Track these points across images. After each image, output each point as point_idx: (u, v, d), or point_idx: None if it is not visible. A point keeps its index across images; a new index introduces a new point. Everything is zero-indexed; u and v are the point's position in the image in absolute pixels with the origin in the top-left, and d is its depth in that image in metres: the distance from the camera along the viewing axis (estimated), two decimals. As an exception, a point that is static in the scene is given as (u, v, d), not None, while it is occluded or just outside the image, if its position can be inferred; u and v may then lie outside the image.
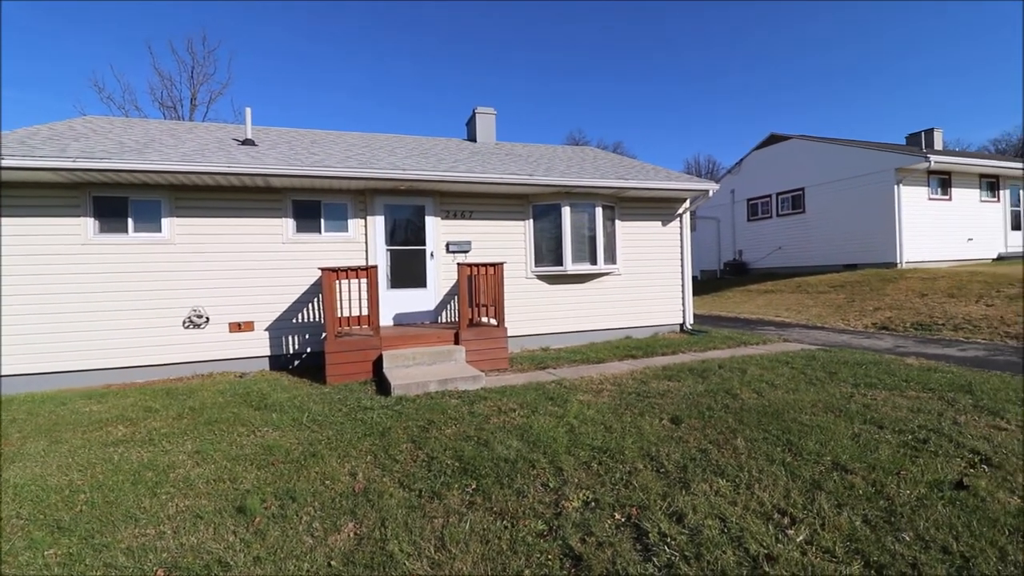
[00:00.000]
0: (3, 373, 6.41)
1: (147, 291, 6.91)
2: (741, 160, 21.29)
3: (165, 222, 7.03)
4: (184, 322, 7.02)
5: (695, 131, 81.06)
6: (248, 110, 8.70)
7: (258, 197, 7.40)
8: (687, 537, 2.62)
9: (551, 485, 3.26)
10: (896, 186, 14.48)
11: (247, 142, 8.36)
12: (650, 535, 2.65)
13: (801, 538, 2.59)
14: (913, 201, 14.72)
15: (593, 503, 3.02)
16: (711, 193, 9.40)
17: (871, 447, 3.72)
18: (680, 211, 9.74)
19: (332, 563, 2.55)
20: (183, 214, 7.10)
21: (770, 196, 19.65)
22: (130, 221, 6.93)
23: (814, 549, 2.51)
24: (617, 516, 2.87)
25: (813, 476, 3.28)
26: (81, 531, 2.96)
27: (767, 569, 2.36)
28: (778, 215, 19.36)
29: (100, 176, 6.44)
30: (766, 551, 2.48)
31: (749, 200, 20.62)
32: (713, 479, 3.26)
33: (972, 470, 3.32)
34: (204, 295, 7.12)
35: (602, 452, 3.71)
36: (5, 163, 5.89)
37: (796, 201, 18.59)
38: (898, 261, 14.44)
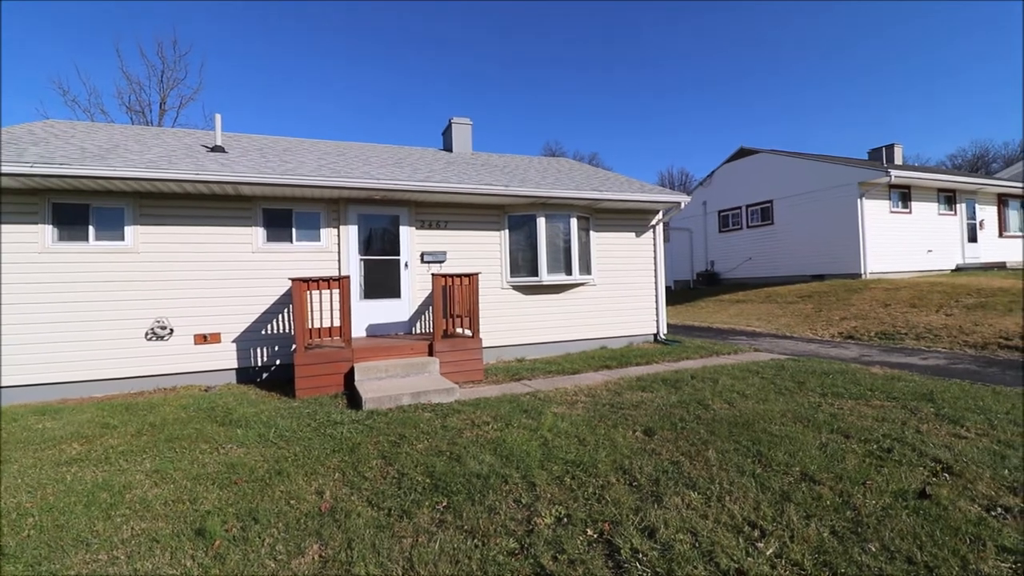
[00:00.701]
0: (-52, 388, 6.07)
1: (108, 301, 6.64)
2: (712, 173, 21.79)
3: (128, 230, 6.79)
4: (147, 334, 6.76)
5: (668, 143, 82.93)
6: (218, 116, 8.51)
7: (227, 205, 7.21)
8: (659, 553, 2.61)
9: (524, 501, 3.22)
10: (859, 199, 14.99)
11: (217, 149, 8.16)
12: (622, 551, 2.63)
13: (771, 551, 2.61)
14: (875, 214, 15.26)
15: (566, 519, 2.99)
16: (683, 205, 9.57)
17: (838, 457, 3.79)
18: (653, 222, 9.88)
19: (295, 588, 2.45)
20: (148, 222, 6.87)
21: (740, 208, 20.14)
22: (91, 229, 6.67)
23: (783, 562, 2.52)
24: (589, 532, 2.84)
25: (782, 487, 3.31)
26: (27, 558, 2.79)
27: (737, 584, 2.36)
28: (748, 227, 19.83)
29: (60, 183, 6.19)
30: (736, 565, 2.48)
31: (720, 212, 21.09)
32: (685, 492, 3.27)
33: (935, 479, 3.40)
34: (169, 305, 6.88)
35: (575, 466, 3.69)
36: (-46, 167, 5.62)
37: (765, 213, 19.08)
38: (862, 272, 14.91)
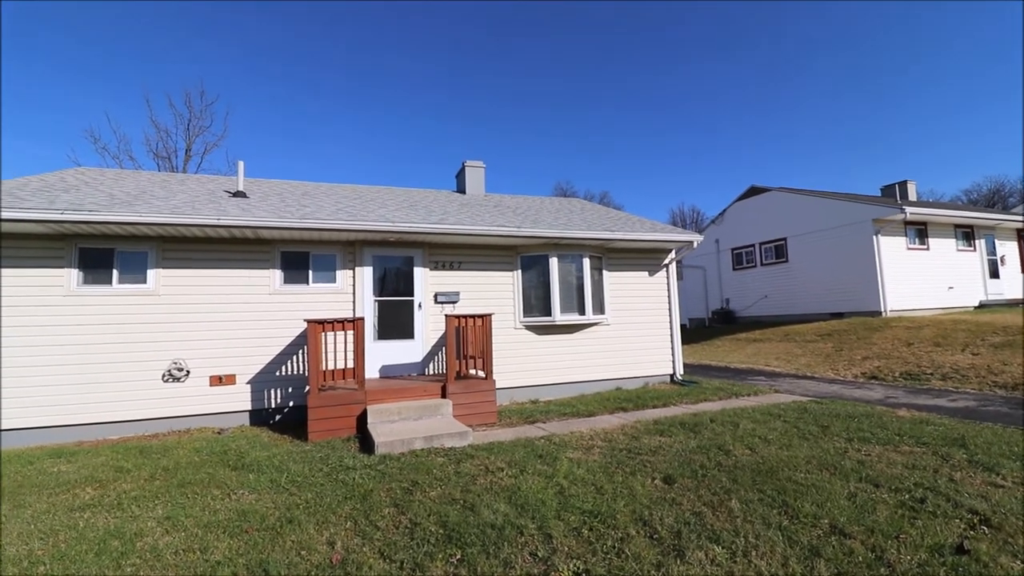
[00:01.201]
0: (-32, 430, 6.14)
1: (128, 343, 6.75)
2: (724, 211, 21.89)
3: (151, 273, 6.97)
4: (164, 375, 6.82)
5: (679, 181, 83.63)
6: (240, 163, 8.84)
7: (247, 248, 7.40)
8: (683, 613, 2.48)
9: (540, 554, 3.10)
10: (875, 236, 14.90)
11: (239, 194, 8.44)
12: (644, 611, 2.50)
13: (802, 613, 2.47)
14: (892, 251, 15.11)
15: (584, 574, 2.87)
16: (695, 244, 9.58)
17: (868, 508, 3.62)
18: (666, 261, 9.89)
19: (304, 648, 2.37)
20: (170, 265, 7.05)
21: (753, 246, 20.10)
22: (115, 272, 6.86)
23: (816, 625, 2.38)
24: (609, 589, 2.73)
25: (811, 541, 3.16)
26: (33, 612, 2.74)
27: (768, 650, 2.22)
28: (762, 264, 19.73)
29: (87, 228, 6.42)
30: (766, 629, 2.35)
31: (733, 249, 21.05)
32: (708, 546, 3.14)
33: (972, 532, 3.23)
34: (186, 347, 6.96)
35: (593, 516, 3.57)
36: (-9, 215, 5.87)
37: (779, 251, 19.01)
38: (882, 309, 14.65)
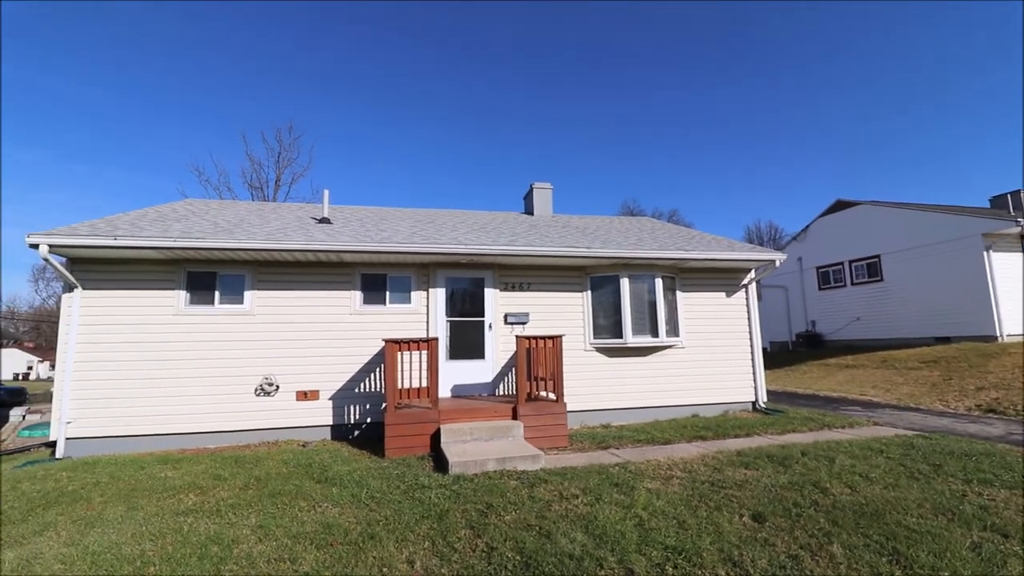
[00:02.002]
0: (90, 435, 6.87)
1: (226, 359, 7.33)
2: (807, 227, 20.60)
3: (247, 295, 7.57)
4: (256, 390, 7.33)
5: (754, 197, 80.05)
6: (326, 192, 9.47)
7: (330, 271, 7.86)
8: (786, 670, 2.27)
9: (622, 590, 2.98)
10: (985, 252, 13.41)
11: (323, 220, 9.02)
12: (741, 663, 2.32)
13: None
14: (1007, 268, 13.51)
15: (671, 616, 2.71)
16: (778, 263, 9.04)
17: (997, 562, 3.18)
18: (745, 281, 9.40)
19: (389, 668, 2.39)
20: (263, 287, 7.62)
21: (842, 264, 18.70)
22: (217, 293, 7.51)
23: None
24: (700, 635, 2.55)
25: (932, 598, 2.81)
26: (147, 608, 2.97)
27: None
28: (853, 283, 18.28)
29: (195, 254, 7.10)
30: None
31: (819, 268, 19.69)
32: (809, 595, 2.87)
33: None
34: (276, 364, 7.46)
35: (676, 553, 3.38)
36: (118, 243, 6.64)
37: (872, 269, 17.56)
38: (997, 334, 13.07)
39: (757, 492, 4.55)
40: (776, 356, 18.45)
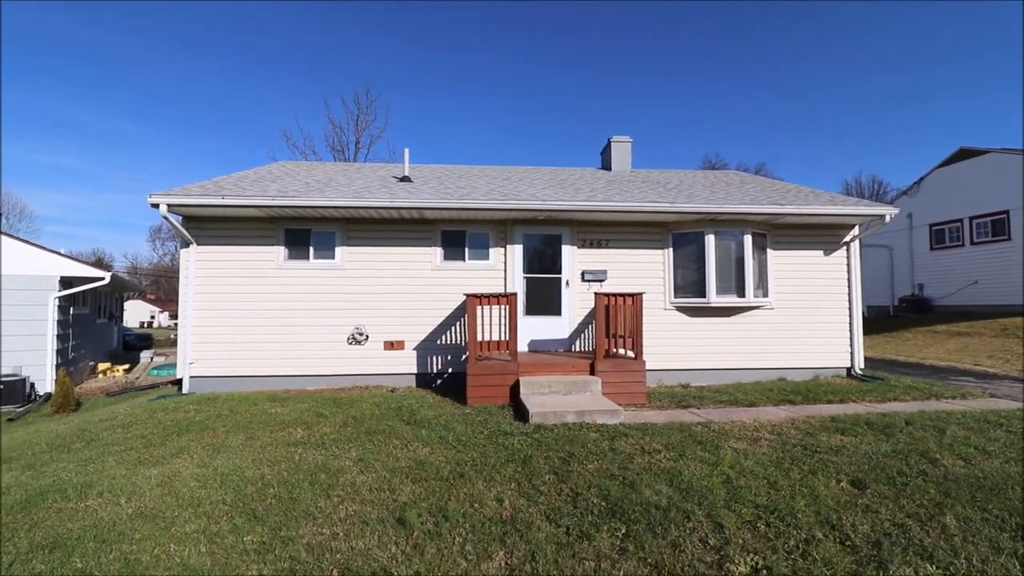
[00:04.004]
0: (209, 375, 7.74)
1: (321, 310, 7.89)
2: (920, 180, 18.41)
3: (338, 250, 8.02)
4: (348, 339, 7.87)
5: (855, 147, 72.17)
6: (406, 151, 9.66)
7: (412, 228, 8.12)
8: (894, 633, 2.18)
9: (711, 543, 2.97)
10: None
11: (404, 179, 9.26)
12: (843, 622, 2.26)
13: (1064, 663, 2.01)
14: None
15: (765, 571, 2.68)
16: (888, 218, 8.17)
17: None
18: (847, 239, 8.63)
19: (487, 591, 2.57)
20: (352, 243, 8.04)
21: (960, 221, 16.65)
22: (311, 249, 8.03)
23: None
24: (797, 591, 2.51)
25: (1068, 579, 2.56)
26: (271, 522, 3.37)
27: None
28: (972, 243, 16.27)
29: (290, 211, 7.57)
30: (1012, 672, 1.96)
31: (932, 225, 17.66)
32: (919, 563, 2.71)
33: None
34: (365, 315, 7.93)
35: (769, 512, 3.30)
36: (225, 201, 7.22)
37: (996, 227, 15.51)
38: None
39: (856, 459, 4.30)
40: (875, 322, 17.00)
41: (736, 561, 2.76)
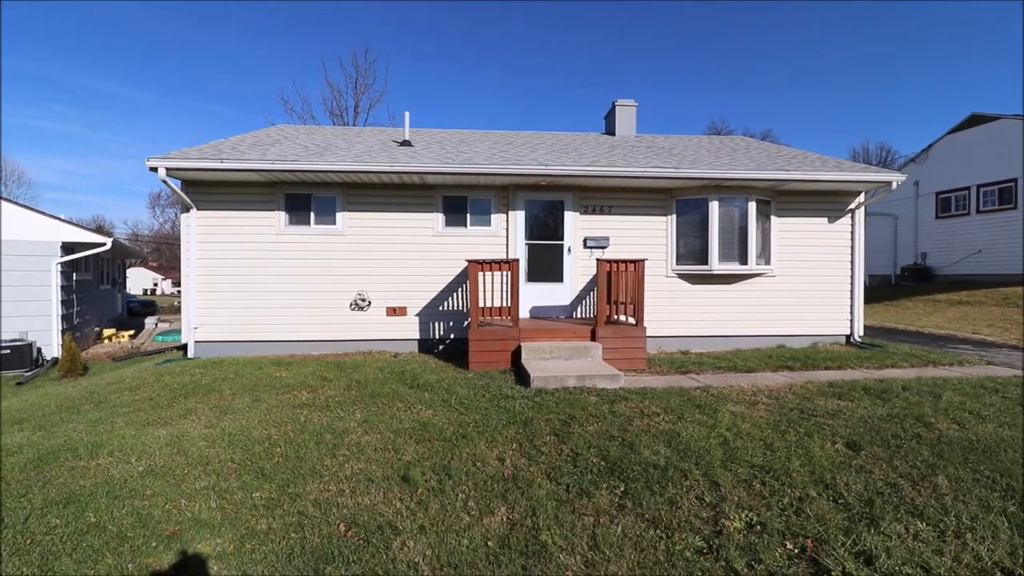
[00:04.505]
0: (213, 339, 7.80)
1: (323, 276, 7.90)
2: (930, 146, 18.07)
3: (339, 216, 7.97)
4: (351, 304, 7.91)
5: (861, 113, 70.62)
6: (406, 114, 9.47)
7: (413, 193, 8.03)
8: (882, 584, 2.27)
9: (707, 500, 3.05)
10: None
11: (405, 143, 9.11)
12: (832, 574, 2.34)
13: (1044, 611, 2.09)
14: None
15: (758, 526, 2.76)
16: (895, 185, 8.06)
17: None
18: (852, 206, 8.53)
19: (489, 543, 2.66)
20: (353, 208, 7.97)
21: (968, 189, 16.43)
22: (312, 215, 7.97)
23: (1064, 628, 2.01)
24: (789, 545, 2.59)
25: (1052, 535, 2.64)
26: (279, 480, 3.46)
27: (997, 641, 1.94)
28: (979, 211, 16.11)
29: (291, 176, 7.48)
30: (994, 619, 2.05)
31: (939, 194, 17.44)
32: (909, 520, 2.79)
33: None
34: (367, 281, 7.94)
35: (764, 471, 3.38)
36: (224, 165, 7.12)
37: (1005, 195, 15.31)
38: None
39: (852, 422, 4.38)
40: (876, 291, 17.01)
41: (731, 517, 2.84)
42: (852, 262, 8.55)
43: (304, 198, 7.96)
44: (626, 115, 11.46)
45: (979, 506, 2.96)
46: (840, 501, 3.01)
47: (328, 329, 7.90)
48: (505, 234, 8.18)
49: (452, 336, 8.07)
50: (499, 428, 4.26)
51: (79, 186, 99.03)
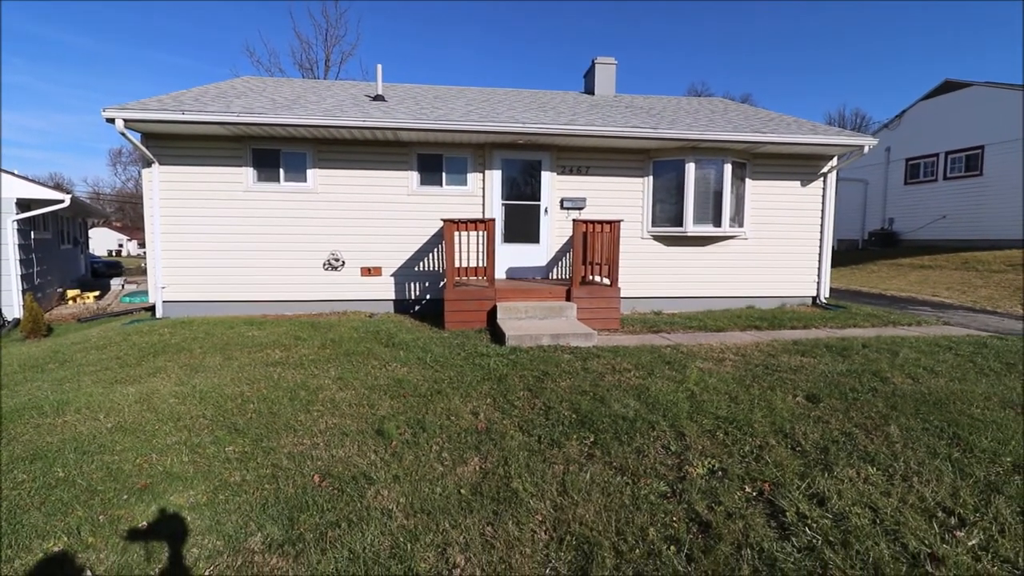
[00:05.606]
0: (182, 299, 7.62)
1: (295, 235, 7.71)
2: (902, 112, 18.29)
3: (310, 173, 7.72)
4: (324, 264, 7.77)
5: (838, 78, 70.70)
6: (379, 67, 9.09)
7: (387, 151, 7.81)
8: (831, 522, 2.42)
9: (672, 449, 3.17)
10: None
11: (378, 98, 8.78)
12: (787, 514, 2.48)
13: (973, 542, 2.27)
14: None
15: (720, 472, 2.89)
16: (867, 149, 8.17)
17: (1068, 453, 3.12)
18: (825, 170, 8.65)
19: (462, 491, 2.73)
20: (324, 166, 7.73)
21: (936, 155, 16.79)
22: (281, 172, 7.70)
23: (989, 556, 2.19)
24: (747, 489, 2.73)
25: (988, 477, 2.84)
26: (252, 434, 3.46)
27: (930, 569, 2.11)
28: (945, 178, 16.53)
29: (257, 130, 7.17)
30: (929, 550, 2.21)
31: (909, 160, 17.78)
32: (861, 465, 2.96)
33: None
34: (341, 241, 7.79)
35: (728, 422, 3.52)
36: (186, 117, 6.77)
37: (971, 162, 15.70)
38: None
39: (813, 377, 4.57)
40: (843, 255, 17.49)
41: (694, 464, 2.97)
42: (822, 226, 8.73)
43: (273, 154, 7.67)
44: (606, 73, 11.24)
45: (927, 452, 3.15)
46: (798, 449, 3.17)
47: (301, 289, 7.78)
48: (481, 194, 8.07)
49: (428, 296, 8.04)
50: (474, 384, 4.32)
51: (34, 142, 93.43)
